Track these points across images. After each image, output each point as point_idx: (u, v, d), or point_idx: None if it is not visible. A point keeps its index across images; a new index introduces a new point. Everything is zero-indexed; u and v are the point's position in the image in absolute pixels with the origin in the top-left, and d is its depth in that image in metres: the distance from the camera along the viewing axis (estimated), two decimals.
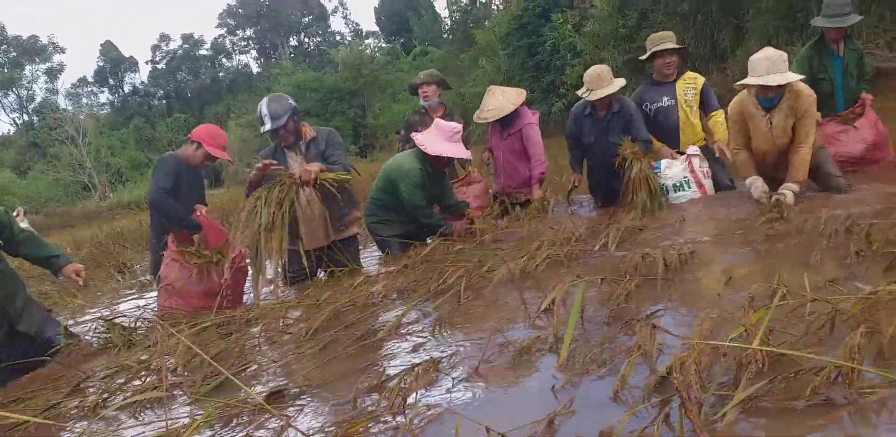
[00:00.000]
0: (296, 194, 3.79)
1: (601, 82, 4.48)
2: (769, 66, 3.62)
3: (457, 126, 4.30)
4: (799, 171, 3.79)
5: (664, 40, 4.62)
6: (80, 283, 3.44)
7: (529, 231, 4.00)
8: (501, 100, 4.88)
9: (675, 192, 4.53)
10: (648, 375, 1.68)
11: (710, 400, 1.49)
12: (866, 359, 1.53)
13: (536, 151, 4.87)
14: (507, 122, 4.92)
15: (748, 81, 3.70)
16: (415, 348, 2.27)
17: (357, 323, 2.70)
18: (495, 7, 28.01)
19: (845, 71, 4.47)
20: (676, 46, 4.60)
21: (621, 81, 4.55)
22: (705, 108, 4.69)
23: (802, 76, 3.81)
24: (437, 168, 4.33)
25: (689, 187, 4.51)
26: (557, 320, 2.06)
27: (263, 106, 3.97)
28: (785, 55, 3.67)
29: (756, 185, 3.88)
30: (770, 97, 3.74)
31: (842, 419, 1.36)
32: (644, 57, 4.69)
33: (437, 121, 4.39)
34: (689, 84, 4.67)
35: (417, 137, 4.30)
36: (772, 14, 10.83)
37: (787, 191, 3.69)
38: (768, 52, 3.70)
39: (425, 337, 2.37)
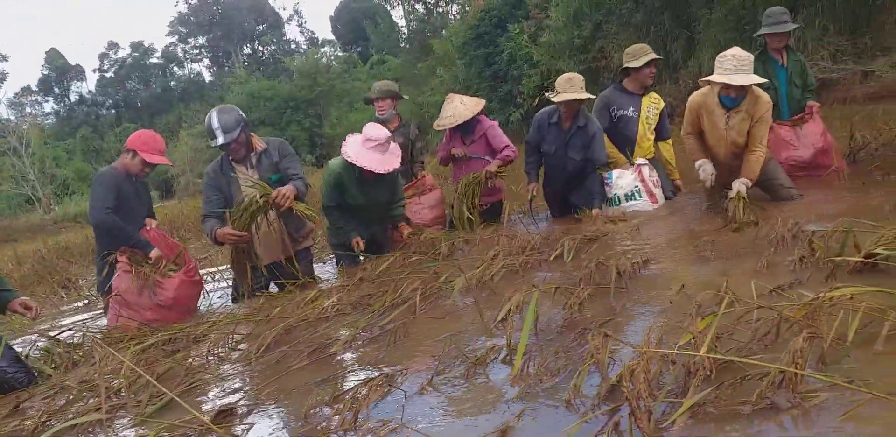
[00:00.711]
0: (265, 214, 3.81)
1: (572, 87, 4.51)
2: (736, 65, 3.66)
3: (380, 136, 4.11)
4: (752, 170, 3.88)
5: (648, 52, 4.70)
6: (30, 315, 3.28)
7: (486, 241, 4.00)
8: (460, 107, 4.89)
9: (627, 201, 4.60)
10: (600, 383, 1.69)
11: (659, 407, 1.50)
12: (809, 364, 1.57)
13: (505, 140, 4.89)
14: (467, 129, 4.94)
15: (714, 77, 3.74)
16: (368, 363, 2.24)
17: (309, 338, 2.65)
18: (452, 17, 28.23)
19: (789, 81, 4.63)
20: (657, 57, 4.73)
21: (586, 94, 4.57)
22: (659, 133, 4.85)
23: (765, 80, 3.90)
24: (365, 175, 4.18)
25: (640, 197, 4.59)
26: (511, 331, 2.06)
27: (213, 119, 3.81)
28: (752, 57, 3.74)
29: (705, 167, 4.00)
30: (733, 97, 3.81)
31: (786, 422, 1.39)
32: (639, 65, 4.68)
33: (366, 128, 4.23)
34: (654, 102, 4.83)
35: (348, 140, 4.22)
36: (721, 26, 11.14)
37: (741, 185, 3.77)
38: (737, 51, 3.73)
39: (379, 351, 2.34)
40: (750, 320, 1.89)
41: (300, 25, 72.37)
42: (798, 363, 1.49)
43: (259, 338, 2.71)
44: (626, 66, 4.71)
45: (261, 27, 52.42)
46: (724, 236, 3.21)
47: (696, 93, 4.08)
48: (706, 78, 3.83)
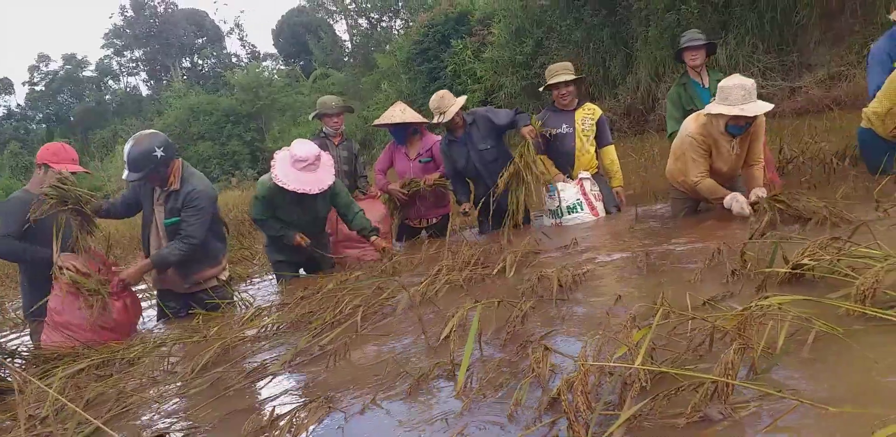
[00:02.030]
0: None
1: (446, 103, 4.68)
2: (745, 94, 3.52)
3: (308, 155, 4.03)
4: (758, 180, 3.87)
5: (559, 72, 4.78)
6: None
7: (429, 256, 3.99)
8: (397, 112, 5.08)
9: (569, 213, 4.69)
10: (541, 396, 1.70)
11: (597, 420, 1.52)
12: (740, 373, 1.62)
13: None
14: (402, 138, 5.05)
15: (723, 110, 3.55)
16: (308, 383, 2.20)
17: (247, 359, 2.58)
18: (396, 32, 28.37)
19: (711, 100, 4.74)
20: (571, 78, 4.77)
21: (463, 98, 4.82)
22: (599, 140, 4.92)
23: (772, 106, 3.70)
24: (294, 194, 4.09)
25: (582, 209, 4.68)
26: (454, 346, 2.05)
27: (126, 151, 3.63)
28: (754, 83, 3.62)
29: (738, 199, 3.65)
30: (741, 126, 3.66)
31: (719, 434, 1.42)
32: (542, 88, 4.85)
33: (294, 146, 4.14)
34: (588, 114, 4.88)
35: (276, 158, 4.13)
36: (657, 43, 11.55)
37: (761, 192, 3.67)
38: (741, 80, 3.58)
39: (320, 371, 2.30)
40: (684, 331, 1.93)
41: (241, 39, 71.32)
42: (730, 374, 1.53)
43: (195, 359, 2.63)
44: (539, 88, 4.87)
45: (200, 40, 51.42)
46: (662, 248, 3.28)
47: (693, 129, 3.80)
48: (716, 110, 3.59)
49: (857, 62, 9.01)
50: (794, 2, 9.96)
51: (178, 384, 2.50)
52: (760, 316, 1.81)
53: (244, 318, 3.14)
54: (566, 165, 4.85)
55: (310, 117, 5.51)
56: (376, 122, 5.20)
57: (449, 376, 1.98)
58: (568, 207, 4.69)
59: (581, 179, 4.70)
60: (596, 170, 4.93)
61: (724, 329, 1.81)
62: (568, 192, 4.71)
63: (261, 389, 2.25)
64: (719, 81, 4.59)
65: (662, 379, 1.68)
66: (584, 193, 4.70)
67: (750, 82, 3.56)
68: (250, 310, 3.29)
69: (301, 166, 4.00)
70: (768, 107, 3.57)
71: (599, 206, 4.73)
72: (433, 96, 4.78)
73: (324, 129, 5.27)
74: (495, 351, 2.13)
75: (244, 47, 71.71)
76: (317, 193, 4.07)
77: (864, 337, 1.74)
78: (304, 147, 4.09)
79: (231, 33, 65.26)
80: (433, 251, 4.08)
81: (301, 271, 4.58)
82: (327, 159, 4.21)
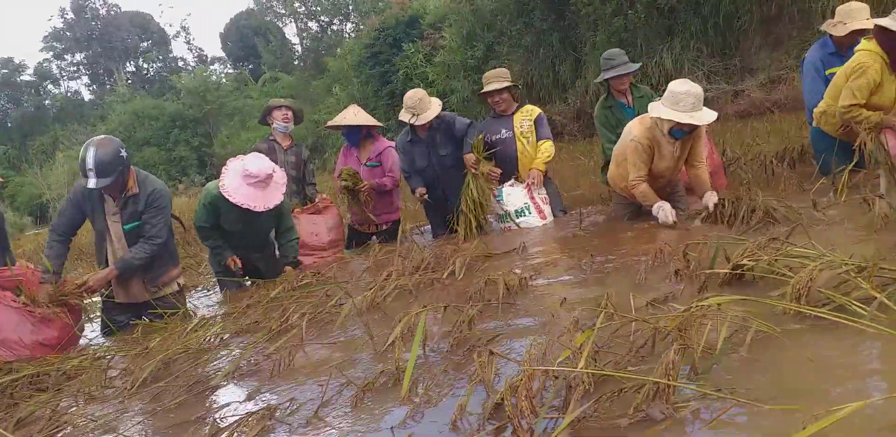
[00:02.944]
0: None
1: (424, 106, 4.64)
2: (694, 102, 3.58)
3: (260, 173, 3.92)
4: (706, 183, 3.91)
5: (492, 80, 4.81)
6: None
7: (379, 261, 3.96)
8: (350, 115, 5.03)
9: (518, 217, 4.71)
10: (485, 402, 1.69)
11: (542, 424, 1.52)
12: (681, 374, 1.64)
13: (398, 168, 5.01)
14: (355, 140, 5.01)
15: (674, 116, 3.60)
16: (251, 395, 2.14)
17: (189, 371, 2.51)
18: (347, 35, 28.21)
19: None
20: (503, 86, 4.78)
21: (439, 103, 4.81)
22: (537, 136, 4.87)
23: (717, 114, 3.78)
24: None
25: (530, 212, 4.71)
26: (400, 353, 2.02)
27: (90, 157, 3.43)
28: (701, 90, 3.69)
29: (664, 208, 3.77)
30: (686, 130, 3.73)
31: (661, 433, 1.44)
32: (480, 93, 4.87)
33: (248, 160, 4.04)
34: (525, 116, 4.88)
35: (229, 167, 4.05)
36: (605, 48, 11.68)
37: (713, 197, 3.72)
38: (692, 87, 3.62)
39: (263, 382, 2.25)
40: (628, 333, 1.95)
41: (188, 42, 69.96)
42: (670, 374, 1.55)
43: (135, 373, 2.54)
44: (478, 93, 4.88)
45: (145, 44, 50.10)
46: (607, 250, 3.33)
47: (638, 133, 3.85)
48: (667, 116, 3.63)
49: (796, 66, 9.32)
50: (736, 8, 10.28)
51: (117, 399, 2.41)
52: (701, 317, 1.85)
53: (188, 329, 3.05)
54: (510, 170, 4.87)
55: (258, 120, 5.46)
56: (329, 123, 5.16)
57: (394, 382, 1.96)
58: (516, 211, 4.72)
59: (529, 182, 4.73)
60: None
61: (666, 330, 1.84)
62: (515, 196, 4.74)
63: (203, 402, 2.18)
64: (642, 97, 4.68)
65: (606, 381, 1.69)
66: (532, 197, 4.73)
67: (699, 90, 3.65)
68: (194, 320, 3.19)
69: (251, 181, 3.91)
70: (714, 116, 3.69)
71: (547, 209, 4.77)
72: (410, 94, 4.69)
73: (274, 124, 5.18)
74: (442, 356, 2.12)
75: (191, 51, 70.37)
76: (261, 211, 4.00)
77: (799, 336, 1.79)
78: (258, 163, 3.99)
79: (177, 36, 63.80)
80: (383, 256, 4.04)
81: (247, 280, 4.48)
82: (280, 178, 4.12)
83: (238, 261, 4.12)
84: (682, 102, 3.59)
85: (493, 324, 2.39)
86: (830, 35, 4.27)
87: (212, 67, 41.40)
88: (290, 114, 5.17)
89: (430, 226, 5.27)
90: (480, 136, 4.74)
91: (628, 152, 3.90)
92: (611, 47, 4.85)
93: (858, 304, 1.83)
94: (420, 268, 3.43)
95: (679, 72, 10.69)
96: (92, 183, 3.46)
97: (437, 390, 1.84)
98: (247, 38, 38.79)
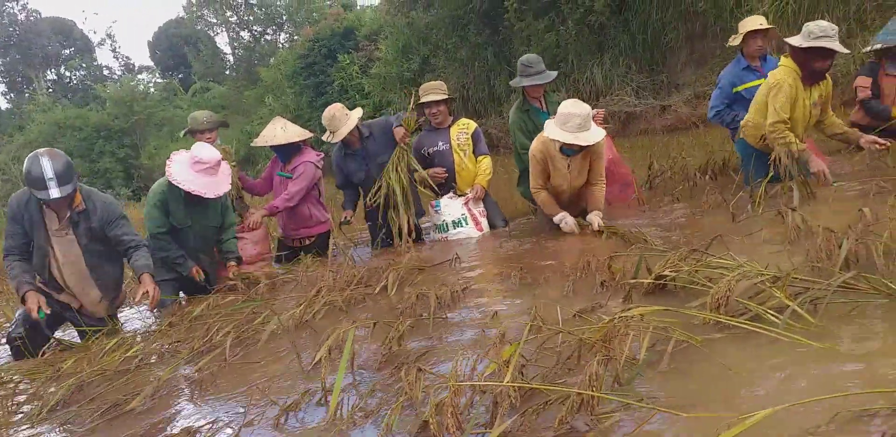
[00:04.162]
0: None
1: (338, 122, 4.59)
2: (581, 123, 3.73)
3: (210, 159, 3.89)
4: (599, 202, 4.12)
5: (430, 92, 4.82)
6: None
7: (309, 276, 3.88)
8: (279, 131, 4.80)
9: (454, 228, 4.73)
10: (413, 420, 1.67)
11: None
12: (606, 384, 1.66)
13: (295, 188, 4.75)
14: (287, 156, 4.84)
15: (559, 137, 3.77)
16: (170, 418, 2.05)
17: (105, 394, 2.38)
18: (281, 45, 27.84)
19: None
20: (441, 98, 4.82)
21: (358, 112, 4.74)
22: (475, 152, 4.96)
23: (605, 134, 3.98)
24: (188, 197, 3.93)
25: (467, 224, 4.74)
26: (327, 372, 1.98)
27: (46, 167, 3.23)
28: (590, 110, 3.85)
29: (566, 220, 4.04)
30: (575, 149, 3.90)
31: None
32: (415, 104, 4.87)
33: (195, 148, 4.00)
34: (462, 129, 4.93)
35: (173, 159, 3.95)
36: None
37: (596, 217, 3.94)
38: (580, 108, 3.76)
39: (184, 404, 2.16)
40: (555, 345, 1.96)
41: (114, 50, 67.38)
42: (594, 386, 1.56)
43: (45, 397, 2.40)
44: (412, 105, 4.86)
45: (68, 51, 48.08)
46: (537, 262, 3.36)
47: (533, 147, 4.09)
48: (554, 137, 3.81)
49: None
50: (663, 25, 10.66)
51: (26, 425, 2.26)
52: (624, 327, 1.88)
53: (104, 349, 2.90)
54: (449, 182, 4.89)
55: (181, 134, 5.17)
56: (257, 142, 4.91)
57: (320, 402, 1.91)
58: (453, 221, 4.74)
59: (469, 197, 4.76)
60: None
61: (591, 341, 1.86)
62: (452, 207, 4.76)
63: (118, 427, 2.07)
64: (556, 102, 4.78)
65: (533, 394, 1.70)
66: (469, 209, 4.76)
67: (587, 110, 3.80)
68: (113, 340, 3.04)
69: (200, 168, 3.86)
70: (601, 136, 3.88)
71: (484, 221, 4.81)
72: (325, 113, 4.65)
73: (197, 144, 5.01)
74: (370, 374, 2.09)
75: (117, 59, 67.86)
76: (209, 201, 3.94)
77: (718, 345, 1.85)
78: (206, 150, 3.96)
79: (102, 44, 61.50)
80: (313, 271, 3.96)
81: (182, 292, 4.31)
82: (226, 168, 4.09)
83: (202, 272, 3.99)
84: (570, 122, 3.76)
85: (424, 339, 2.37)
86: (741, 50, 4.56)
87: (139, 77, 39.87)
88: (214, 136, 5.01)
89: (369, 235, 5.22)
90: (410, 112, 4.73)
91: (529, 164, 4.15)
92: (544, 62, 4.91)
93: (773, 313, 1.90)
94: (352, 283, 3.38)
95: (609, 87, 11.00)
96: (55, 193, 3.24)
97: (364, 409, 1.81)
98: (177, 47, 37.70)
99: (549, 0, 11.58)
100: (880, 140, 3.97)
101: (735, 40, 4.60)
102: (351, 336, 2.05)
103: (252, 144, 5.05)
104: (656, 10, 10.57)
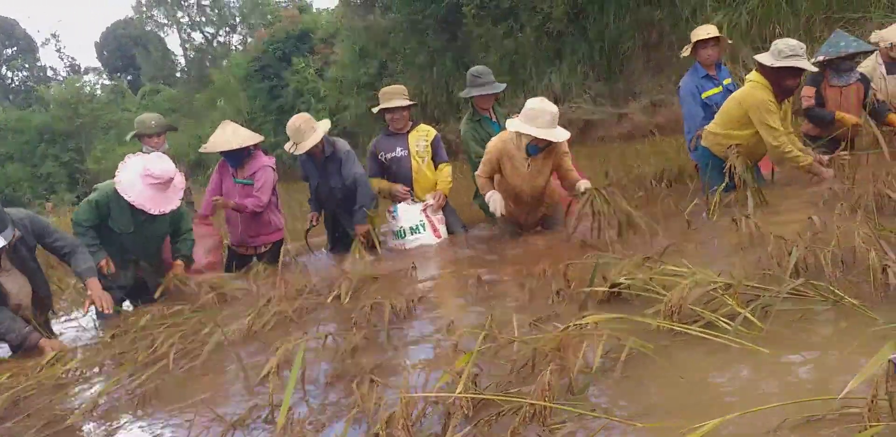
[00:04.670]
0: None
1: (303, 135, 4.45)
2: (550, 120, 3.72)
3: (163, 175, 3.74)
4: (578, 180, 4.01)
5: (393, 97, 4.76)
6: None
7: (260, 285, 3.78)
8: (230, 136, 4.64)
9: (412, 234, 4.68)
10: (366, 433, 1.62)
11: None
12: (560, 394, 1.64)
13: (265, 197, 4.65)
14: (237, 161, 4.67)
15: (532, 132, 3.72)
16: (111, 434, 1.96)
17: (43, 409, 2.27)
18: (234, 47, 27.43)
19: None
20: (405, 104, 4.77)
21: (325, 124, 4.63)
22: (435, 159, 4.93)
23: (569, 134, 3.97)
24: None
25: (425, 230, 4.69)
26: (274, 387, 1.91)
27: None
28: (556, 109, 3.86)
29: (494, 197, 4.04)
30: (541, 147, 3.92)
31: None
32: (376, 110, 4.82)
33: (150, 160, 3.83)
34: (422, 136, 4.88)
35: (126, 165, 3.82)
36: (496, 69, 11.99)
37: (583, 184, 3.87)
38: (549, 106, 3.77)
39: (125, 419, 2.06)
40: (510, 354, 1.94)
41: (59, 51, 65.16)
42: (546, 396, 1.54)
43: None
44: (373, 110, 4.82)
45: (9, 51, 46.35)
46: (494, 270, 3.34)
47: (495, 139, 4.09)
48: (524, 131, 3.76)
49: (675, 91, 9.93)
50: (620, 34, 10.84)
51: None
52: (578, 336, 1.86)
53: (42, 362, 2.76)
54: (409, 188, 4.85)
55: (127, 138, 4.97)
56: (206, 148, 4.71)
57: (268, 419, 1.84)
58: (410, 228, 4.69)
59: (427, 204, 4.71)
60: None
61: (546, 350, 1.84)
62: (410, 213, 4.71)
63: None
64: (506, 115, 4.77)
65: (487, 404, 1.67)
66: (427, 215, 4.72)
67: (555, 108, 3.83)
68: (51, 353, 2.90)
69: (150, 182, 3.72)
70: (567, 135, 3.90)
71: (442, 228, 4.77)
72: (290, 122, 4.49)
73: (143, 149, 4.83)
74: (321, 388, 2.03)
75: (62, 59, 65.84)
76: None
77: (671, 352, 1.85)
78: (161, 164, 3.79)
79: (46, 44, 59.67)
80: (264, 280, 3.85)
81: (126, 300, 4.15)
82: (179, 182, 3.93)
83: (112, 264, 3.80)
84: (540, 118, 3.75)
85: (378, 351, 2.32)
86: (696, 60, 4.64)
87: (85, 78, 38.73)
88: (161, 140, 4.85)
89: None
90: (375, 209, 4.69)
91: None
92: (502, 70, 4.94)
93: (725, 320, 1.92)
94: (303, 292, 3.30)
95: (567, 94, 11.11)
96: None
97: (314, 424, 1.75)
98: (125, 48, 36.73)
99: (507, 7, 11.66)
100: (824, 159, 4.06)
101: (686, 51, 4.68)
102: (302, 348, 1.99)
103: (202, 150, 4.84)
104: (613, 19, 10.74)
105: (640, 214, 3.47)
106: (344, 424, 1.64)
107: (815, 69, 3.93)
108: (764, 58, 3.94)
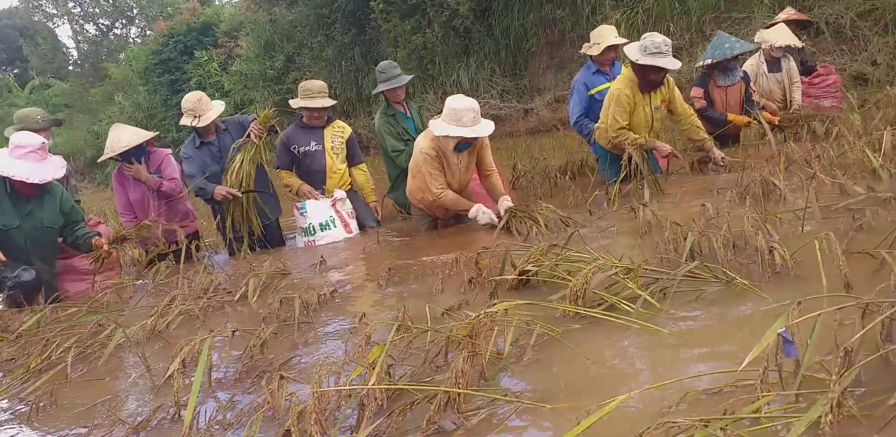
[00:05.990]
0: None
1: (205, 106, 4.45)
2: (474, 116, 3.73)
3: (32, 142, 3.56)
4: (501, 190, 4.09)
5: (318, 96, 4.67)
6: None
7: (162, 284, 3.62)
8: (126, 136, 4.46)
9: (322, 231, 4.59)
10: (276, 430, 1.59)
11: None
12: (473, 381, 1.66)
13: (178, 180, 4.60)
14: (137, 159, 4.46)
15: (460, 133, 3.71)
16: None
17: None
18: (132, 40, 26.09)
19: (417, 128, 4.94)
20: (331, 104, 4.71)
21: (221, 103, 4.66)
22: (350, 159, 4.89)
23: (493, 124, 3.90)
24: (19, 189, 3.59)
25: (335, 226, 4.62)
26: (179, 386, 1.84)
27: None
28: (477, 103, 3.84)
29: (482, 210, 3.86)
30: (469, 143, 3.91)
31: None
32: (296, 106, 4.70)
33: (14, 136, 3.69)
34: (338, 132, 4.82)
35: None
36: (406, 64, 12.00)
37: (507, 203, 3.87)
38: (470, 103, 3.76)
39: (19, 428, 1.93)
40: (423, 344, 1.95)
41: None
42: (460, 383, 1.56)
43: None
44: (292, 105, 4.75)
45: None
46: (408, 262, 3.34)
47: (424, 145, 3.93)
48: (452, 134, 3.72)
49: None
50: (524, 31, 11.05)
51: None
52: (489, 323, 1.90)
53: None
54: (318, 184, 4.76)
55: (6, 133, 4.62)
56: (106, 155, 4.46)
57: (174, 419, 1.77)
58: (320, 224, 4.60)
59: (336, 198, 4.65)
60: (349, 187, 4.91)
61: (458, 339, 1.86)
62: (319, 209, 4.63)
63: None
64: (419, 106, 4.90)
65: (401, 395, 1.67)
66: (336, 210, 4.65)
67: (475, 103, 3.83)
68: None
69: (21, 153, 3.49)
70: (492, 126, 3.91)
71: (353, 223, 4.71)
72: (187, 97, 4.47)
73: None
74: (229, 385, 1.97)
75: None
76: (44, 200, 3.59)
77: (578, 335, 1.91)
78: (26, 135, 3.63)
79: None
80: (164, 279, 3.68)
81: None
82: (59, 159, 3.73)
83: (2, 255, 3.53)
84: (464, 117, 3.75)
85: (289, 346, 2.28)
86: (590, 56, 4.80)
87: None
88: (47, 136, 4.56)
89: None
90: (272, 112, 4.64)
91: (421, 165, 3.99)
92: (412, 64, 4.96)
93: (626, 302, 2.01)
94: (209, 290, 3.19)
95: (475, 89, 11.24)
96: None
97: (221, 423, 1.70)
98: (11, 40, 34.13)
99: (414, 2, 11.65)
100: (727, 159, 4.32)
101: (595, 50, 4.76)
102: (207, 346, 1.92)
103: (100, 160, 4.70)
104: (517, 16, 10.95)
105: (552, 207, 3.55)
106: (254, 421, 1.59)
107: (677, 67, 4.10)
108: (632, 52, 4.14)
